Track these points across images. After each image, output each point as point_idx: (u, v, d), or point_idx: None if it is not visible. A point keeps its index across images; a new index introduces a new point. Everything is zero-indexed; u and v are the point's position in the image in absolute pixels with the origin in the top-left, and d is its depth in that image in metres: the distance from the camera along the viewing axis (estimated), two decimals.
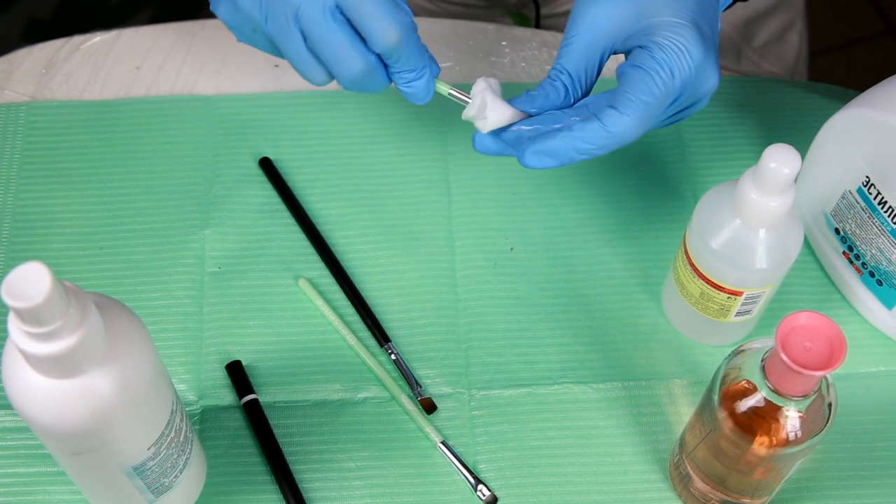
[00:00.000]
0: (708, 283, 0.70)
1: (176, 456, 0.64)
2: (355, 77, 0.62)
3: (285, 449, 0.72)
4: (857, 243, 0.75)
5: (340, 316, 0.77)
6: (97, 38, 0.88)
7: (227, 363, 0.75)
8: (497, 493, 0.71)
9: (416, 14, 1.01)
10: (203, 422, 0.73)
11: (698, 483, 0.68)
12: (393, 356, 0.75)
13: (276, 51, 0.65)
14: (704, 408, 0.64)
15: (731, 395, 0.61)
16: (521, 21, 1.02)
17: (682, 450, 0.69)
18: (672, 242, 0.80)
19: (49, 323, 0.51)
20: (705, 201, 0.69)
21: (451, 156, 0.84)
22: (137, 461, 0.61)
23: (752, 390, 0.60)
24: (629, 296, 0.78)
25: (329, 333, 0.77)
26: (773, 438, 0.60)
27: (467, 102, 0.65)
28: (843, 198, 0.74)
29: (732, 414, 0.61)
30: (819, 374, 0.56)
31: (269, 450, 0.72)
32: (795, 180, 0.64)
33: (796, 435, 0.60)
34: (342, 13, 0.61)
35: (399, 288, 0.78)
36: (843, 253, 0.77)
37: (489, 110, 0.64)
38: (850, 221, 0.74)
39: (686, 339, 0.77)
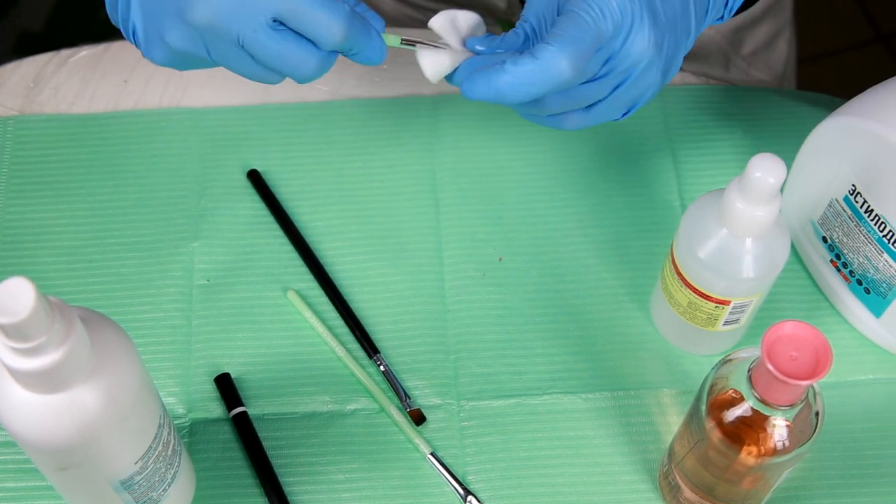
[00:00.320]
0: (695, 293, 0.70)
1: (164, 469, 0.64)
2: (313, 75, 0.62)
3: (274, 461, 0.72)
4: (845, 251, 0.75)
5: (329, 328, 0.77)
6: (85, 52, 0.88)
7: (215, 376, 0.75)
8: None
9: (403, 24, 1.01)
10: (192, 435, 0.73)
11: (687, 493, 0.68)
12: (382, 367, 0.75)
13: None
14: (692, 417, 0.64)
15: (719, 405, 0.61)
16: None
17: (670, 459, 0.69)
18: (660, 251, 0.80)
19: (34, 338, 0.51)
20: (692, 210, 0.69)
21: (438, 167, 0.84)
22: (125, 475, 0.61)
23: (739, 400, 0.60)
24: (618, 305, 0.78)
25: (318, 345, 0.76)
26: (761, 448, 0.60)
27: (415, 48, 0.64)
28: (830, 206, 0.74)
29: (720, 424, 0.61)
30: (805, 383, 0.56)
31: (259, 462, 0.72)
32: (782, 189, 0.64)
33: (784, 444, 0.60)
34: (282, 23, 0.60)
35: (388, 299, 0.78)
36: (831, 261, 0.77)
37: (419, 60, 0.63)
38: (837, 230, 0.74)
39: (675, 349, 0.77)
